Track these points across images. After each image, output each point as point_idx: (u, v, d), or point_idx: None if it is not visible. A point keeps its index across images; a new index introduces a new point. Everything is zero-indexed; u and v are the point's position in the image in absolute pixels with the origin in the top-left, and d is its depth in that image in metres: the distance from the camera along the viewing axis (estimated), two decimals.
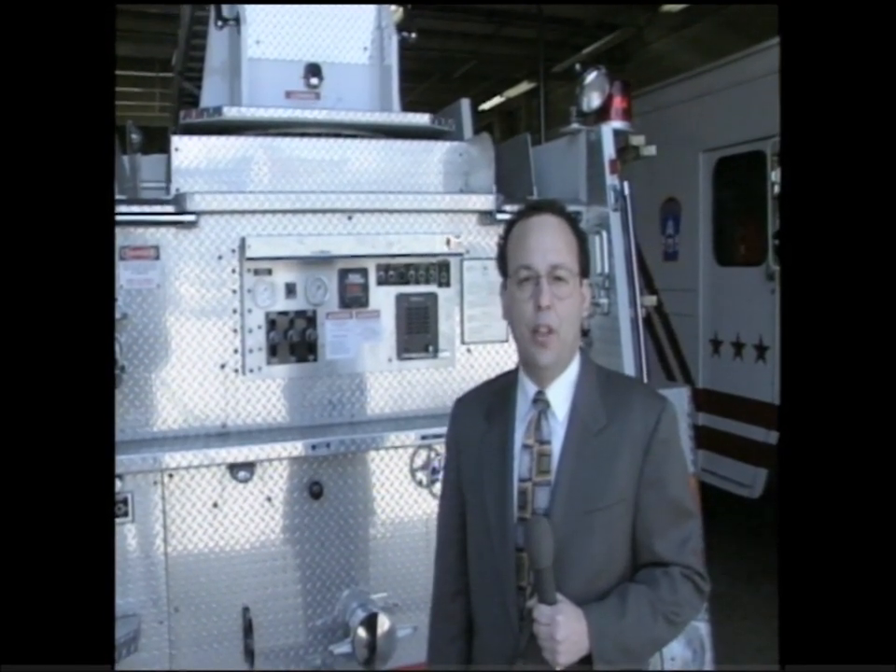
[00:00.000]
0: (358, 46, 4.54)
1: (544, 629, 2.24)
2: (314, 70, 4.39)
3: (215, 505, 3.57)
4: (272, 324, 3.72)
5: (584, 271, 2.45)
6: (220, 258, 3.67)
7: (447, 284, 3.99)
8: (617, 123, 4.22)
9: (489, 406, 2.54)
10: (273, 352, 3.72)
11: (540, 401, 2.43)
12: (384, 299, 3.89)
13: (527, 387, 2.47)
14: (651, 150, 4.29)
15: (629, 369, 3.88)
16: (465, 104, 4.86)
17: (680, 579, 2.35)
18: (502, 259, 2.50)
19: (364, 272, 3.86)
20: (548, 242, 2.40)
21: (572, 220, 2.49)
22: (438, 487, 3.79)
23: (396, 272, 3.91)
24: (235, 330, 3.68)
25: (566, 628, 2.23)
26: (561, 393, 2.43)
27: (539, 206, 2.52)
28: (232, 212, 3.68)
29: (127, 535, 3.43)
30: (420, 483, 3.82)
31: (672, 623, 2.35)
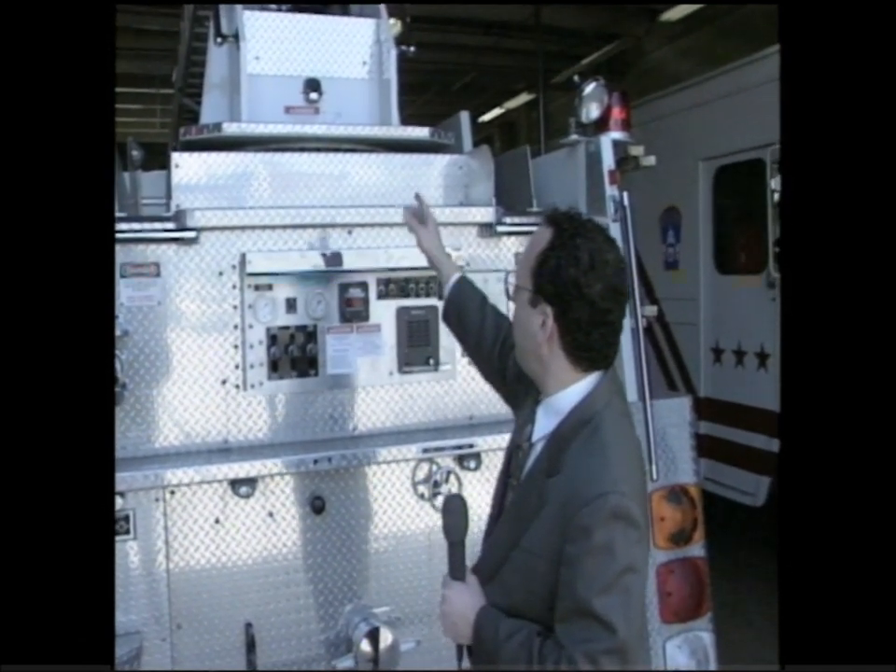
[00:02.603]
0: (357, 60, 4.56)
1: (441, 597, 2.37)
2: (313, 85, 4.40)
3: (217, 521, 3.56)
4: (272, 339, 3.73)
5: (549, 297, 2.26)
6: (221, 273, 3.68)
7: None
8: (616, 134, 4.22)
9: None
10: (275, 367, 3.73)
11: (533, 413, 2.44)
12: (384, 312, 3.90)
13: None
14: (651, 160, 4.28)
15: (630, 379, 3.88)
16: (464, 116, 4.87)
17: (566, 666, 2.10)
18: None
19: (364, 286, 3.87)
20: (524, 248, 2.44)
21: (562, 233, 2.29)
22: (439, 500, 3.80)
23: (396, 285, 3.91)
24: (236, 346, 3.69)
25: (448, 605, 2.36)
26: (546, 415, 2.37)
27: (544, 215, 2.44)
28: (233, 228, 3.69)
29: (129, 552, 3.42)
30: (422, 497, 3.82)
31: None
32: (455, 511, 2.43)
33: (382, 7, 4.70)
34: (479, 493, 3.65)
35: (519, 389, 2.64)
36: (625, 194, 4.05)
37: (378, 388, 3.90)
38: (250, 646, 3.54)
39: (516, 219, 4.06)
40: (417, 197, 3.47)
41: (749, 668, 5.28)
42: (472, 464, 3.84)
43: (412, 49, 4.78)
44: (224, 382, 3.68)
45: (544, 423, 2.36)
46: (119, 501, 3.31)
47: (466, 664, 2.44)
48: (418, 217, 3.38)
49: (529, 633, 2.20)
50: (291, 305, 3.76)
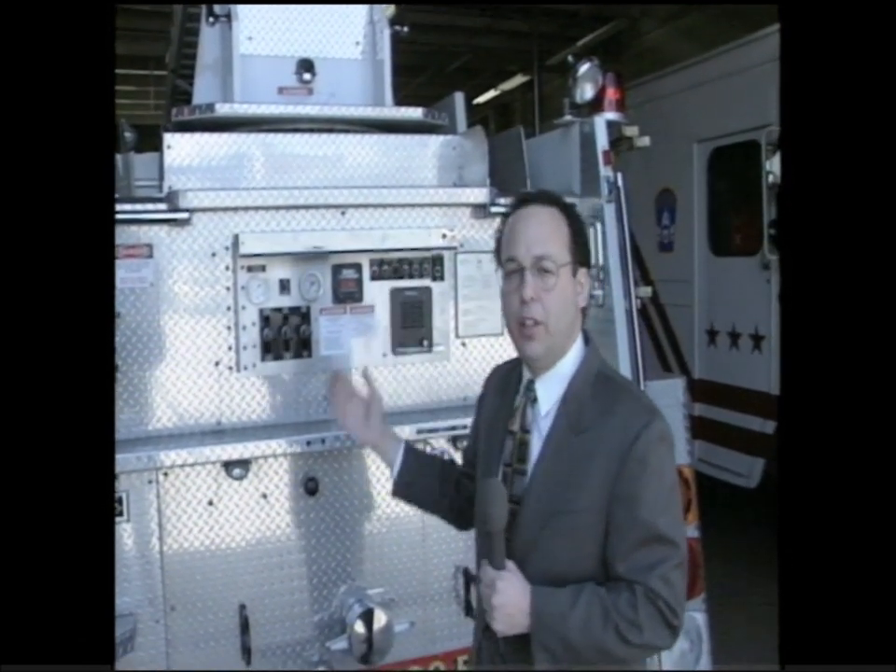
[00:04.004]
0: (351, 41, 4.53)
1: (485, 591, 2.30)
2: (306, 65, 4.37)
3: (210, 503, 3.56)
4: (266, 320, 3.71)
5: (580, 260, 2.44)
6: (214, 255, 3.66)
7: (441, 278, 3.98)
8: (610, 114, 4.20)
9: (505, 383, 2.61)
10: (268, 348, 3.72)
11: (530, 391, 2.48)
12: (378, 293, 3.88)
13: (524, 375, 2.52)
14: (645, 141, 4.27)
15: (624, 360, 3.88)
16: (458, 97, 4.85)
17: (643, 599, 2.23)
18: (498, 251, 2.53)
19: (358, 267, 3.85)
20: (533, 233, 2.41)
21: (566, 209, 2.48)
22: None
23: (390, 266, 3.90)
24: (229, 328, 3.67)
25: (503, 595, 2.27)
26: (550, 386, 2.44)
27: (530, 197, 2.54)
28: (225, 209, 3.66)
29: (122, 534, 3.42)
30: None
31: (625, 640, 2.22)
32: (495, 498, 2.31)
33: None
34: None
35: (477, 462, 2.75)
36: (619, 175, 4.04)
37: (372, 369, 3.88)
38: (244, 627, 3.54)
39: (510, 200, 4.04)
40: (364, 375, 3.27)
41: (748, 668, 5.29)
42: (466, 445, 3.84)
43: (405, 29, 4.75)
44: (217, 363, 3.67)
45: (549, 394, 2.44)
46: None
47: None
48: (350, 393, 3.21)
49: (591, 589, 2.28)
50: (284, 286, 3.74)
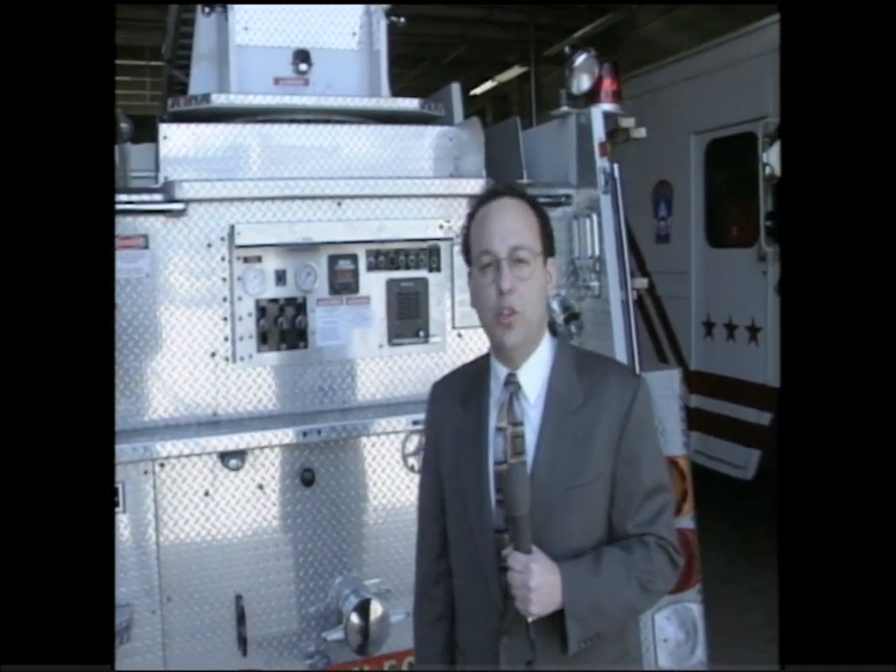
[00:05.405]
0: (347, 31, 4.53)
1: (518, 577, 2.27)
2: (302, 56, 4.37)
3: (206, 493, 3.57)
4: (262, 311, 3.71)
5: (548, 250, 2.48)
6: (210, 246, 3.66)
7: (437, 269, 3.98)
8: (607, 106, 4.21)
9: (465, 391, 2.58)
10: (264, 339, 3.72)
11: (511, 384, 2.47)
12: (374, 284, 3.88)
13: (499, 371, 2.50)
14: (642, 132, 4.27)
15: (620, 351, 3.88)
16: (455, 88, 4.84)
17: (655, 547, 2.38)
18: (466, 247, 2.52)
19: (354, 258, 3.85)
20: (507, 225, 2.42)
21: (532, 201, 2.52)
22: None
23: (386, 257, 3.90)
24: (225, 318, 3.68)
25: (539, 577, 2.26)
26: (532, 374, 2.46)
27: (497, 191, 2.55)
28: (221, 199, 3.66)
29: (119, 525, 3.42)
30: (412, 469, 3.81)
31: (646, 589, 2.36)
32: (519, 482, 2.30)
33: None
34: None
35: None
36: (616, 166, 4.03)
37: (368, 360, 3.89)
38: (240, 618, 3.55)
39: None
40: None
41: (749, 668, 5.31)
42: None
43: (402, 19, 4.74)
44: (213, 354, 3.67)
45: (533, 380, 2.46)
46: None
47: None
48: None
49: (608, 551, 2.37)
50: (280, 277, 3.74)
